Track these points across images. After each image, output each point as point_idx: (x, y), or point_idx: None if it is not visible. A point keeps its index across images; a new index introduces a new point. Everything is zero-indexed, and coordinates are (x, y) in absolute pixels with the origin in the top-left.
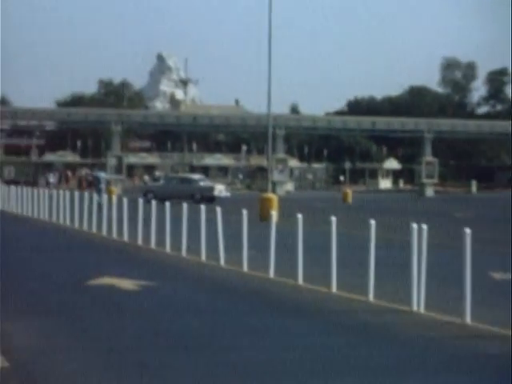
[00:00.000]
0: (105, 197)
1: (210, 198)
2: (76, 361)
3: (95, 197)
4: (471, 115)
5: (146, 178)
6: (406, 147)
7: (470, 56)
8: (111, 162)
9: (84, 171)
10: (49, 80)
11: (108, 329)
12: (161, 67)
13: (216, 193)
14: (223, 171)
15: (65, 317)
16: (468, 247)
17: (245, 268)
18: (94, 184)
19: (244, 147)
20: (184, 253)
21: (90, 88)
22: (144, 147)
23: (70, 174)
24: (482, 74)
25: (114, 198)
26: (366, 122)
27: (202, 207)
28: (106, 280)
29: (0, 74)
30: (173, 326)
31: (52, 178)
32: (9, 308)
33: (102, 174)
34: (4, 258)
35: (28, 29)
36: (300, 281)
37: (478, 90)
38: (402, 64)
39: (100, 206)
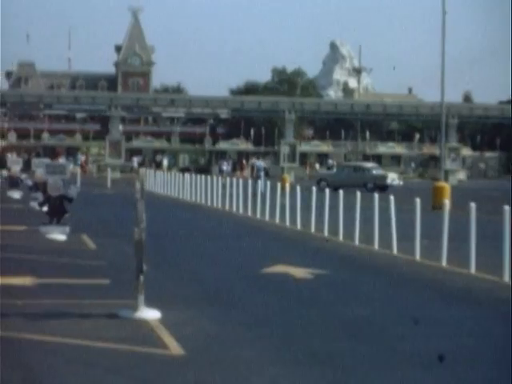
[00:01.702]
0: (260, 184)
1: (382, 187)
2: (250, 349)
3: (259, 184)
4: None
5: (317, 166)
6: None
7: None
8: (284, 150)
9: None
10: (223, 68)
11: (282, 317)
12: (334, 56)
13: (389, 181)
14: (396, 160)
15: (240, 304)
16: None
17: (417, 257)
18: (253, 172)
19: (417, 136)
20: (357, 241)
21: (264, 76)
22: (315, 135)
23: (244, 162)
24: None
25: (287, 186)
26: None
27: (375, 195)
28: (280, 268)
29: (175, 62)
30: (345, 315)
31: (225, 166)
32: (185, 295)
33: (260, 163)
34: (179, 246)
35: (202, 17)
36: (472, 270)
37: None
38: None
39: (255, 194)
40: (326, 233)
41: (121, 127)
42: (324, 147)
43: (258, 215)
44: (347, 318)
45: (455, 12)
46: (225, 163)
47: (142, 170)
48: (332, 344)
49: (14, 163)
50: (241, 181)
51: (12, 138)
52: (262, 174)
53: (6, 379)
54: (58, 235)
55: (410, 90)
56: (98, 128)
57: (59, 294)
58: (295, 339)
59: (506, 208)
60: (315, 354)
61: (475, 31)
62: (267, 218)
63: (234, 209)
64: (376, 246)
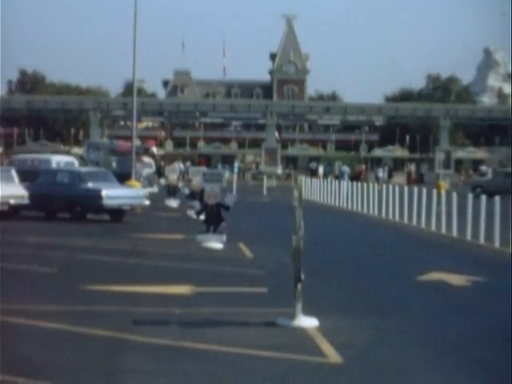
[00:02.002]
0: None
1: None
2: (409, 357)
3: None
4: None
5: (471, 172)
6: None
7: None
8: (439, 156)
9: (412, 166)
10: (378, 75)
11: (440, 324)
12: (488, 62)
13: None
14: None
15: (397, 311)
16: None
17: None
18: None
19: None
20: None
21: (419, 83)
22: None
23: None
24: None
25: (443, 193)
26: None
27: None
28: (436, 275)
29: (329, 70)
30: (506, 323)
31: (381, 173)
32: (342, 303)
33: (346, 169)
34: (335, 253)
35: (356, 24)
36: None
37: None
38: None
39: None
40: (481, 239)
41: (276, 135)
42: (479, 153)
43: (414, 222)
44: (508, 326)
45: None
46: (380, 170)
47: (300, 178)
48: (493, 351)
49: (172, 172)
50: (397, 187)
51: (169, 146)
52: (346, 177)
53: None
54: (215, 244)
55: None
56: (253, 136)
57: (217, 303)
58: (455, 346)
59: None
60: (478, 362)
61: None
62: (423, 224)
63: (390, 216)
64: None
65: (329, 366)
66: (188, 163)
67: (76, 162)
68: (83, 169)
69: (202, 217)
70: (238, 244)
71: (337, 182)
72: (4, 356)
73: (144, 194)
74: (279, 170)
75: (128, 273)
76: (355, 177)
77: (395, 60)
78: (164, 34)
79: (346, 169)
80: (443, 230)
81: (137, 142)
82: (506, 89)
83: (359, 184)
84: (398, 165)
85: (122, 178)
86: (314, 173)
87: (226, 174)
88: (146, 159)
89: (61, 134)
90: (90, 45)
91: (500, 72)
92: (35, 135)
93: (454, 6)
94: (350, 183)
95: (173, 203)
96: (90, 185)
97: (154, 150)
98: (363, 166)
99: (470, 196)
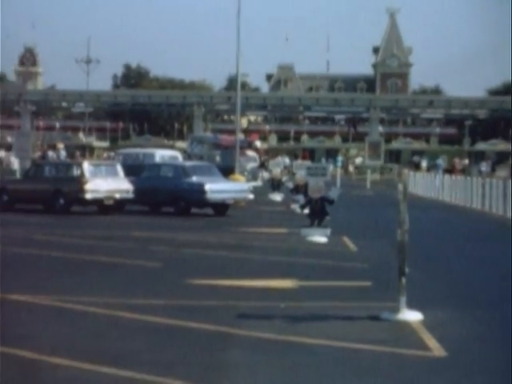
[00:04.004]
0: None
1: None
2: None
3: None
4: None
5: None
6: None
7: None
8: None
9: None
10: (481, 69)
11: None
12: None
13: None
14: None
15: (501, 305)
16: None
17: None
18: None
19: None
20: None
21: None
22: None
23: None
24: None
25: None
26: None
27: None
28: None
29: (433, 63)
30: None
31: (484, 167)
32: (446, 297)
33: (441, 162)
34: (439, 246)
35: (460, 17)
36: None
37: None
38: None
39: None
40: None
41: (380, 128)
42: None
43: None
44: None
45: None
46: (484, 164)
47: (405, 172)
48: None
49: (276, 166)
50: (500, 181)
51: (273, 140)
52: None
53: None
54: (319, 237)
55: None
56: (358, 130)
57: (321, 297)
58: None
59: None
60: None
61: None
62: None
63: (494, 209)
64: None
65: (433, 360)
66: (286, 159)
67: (180, 156)
68: (187, 163)
69: (306, 211)
70: (342, 238)
71: (440, 176)
72: (111, 350)
73: (248, 187)
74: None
75: (232, 267)
76: (450, 170)
77: (499, 53)
78: (268, 28)
79: (441, 162)
80: None
81: (240, 136)
82: None
83: (458, 177)
84: (502, 158)
85: (226, 171)
86: (417, 166)
87: (330, 168)
88: (250, 153)
89: (164, 129)
90: (194, 39)
91: None
92: (139, 130)
93: None
94: (442, 176)
95: (277, 197)
96: (194, 179)
97: (258, 143)
98: (457, 160)
99: None
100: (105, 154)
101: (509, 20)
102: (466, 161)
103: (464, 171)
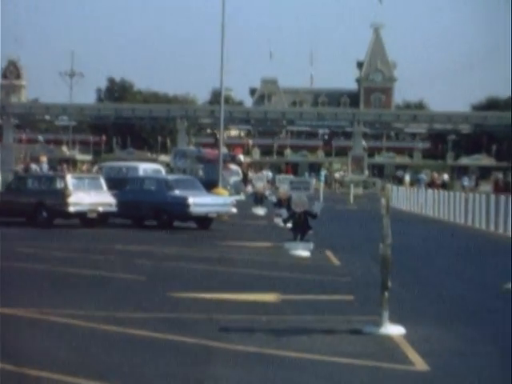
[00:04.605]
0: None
1: None
2: (494, 367)
3: None
4: None
5: None
6: None
7: None
8: None
9: (499, 174)
10: (464, 83)
11: None
12: None
13: None
14: None
15: (484, 321)
16: None
17: None
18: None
19: None
20: None
21: (505, 91)
22: None
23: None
24: None
25: None
26: None
27: None
28: None
29: (417, 78)
30: None
31: (467, 181)
32: (429, 312)
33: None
34: (422, 261)
35: (441, 32)
36: None
37: None
38: None
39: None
40: None
41: (364, 143)
42: None
43: (501, 230)
44: None
45: None
46: (466, 178)
47: (388, 186)
48: None
49: (259, 180)
50: (483, 196)
51: (256, 154)
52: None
53: None
54: (302, 251)
55: None
56: (340, 144)
57: (303, 310)
58: None
59: None
60: None
61: None
62: (510, 233)
63: (477, 224)
64: None
65: (416, 374)
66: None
67: (163, 170)
68: (170, 176)
69: (289, 225)
70: (325, 252)
71: (423, 190)
72: (93, 363)
73: (231, 201)
74: (364, 178)
75: (215, 280)
76: (429, 184)
77: (480, 68)
78: (252, 43)
79: (424, 177)
80: None
81: (224, 150)
82: None
83: (442, 192)
84: (484, 173)
85: (209, 185)
86: (400, 181)
87: (313, 182)
88: (233, 167)
89: (148, 142)
90: (178, 53)
91: None
92: (123, 143)
93: None
94: (425, 191)
95: (260, 211)
96: (177, 192)
97: (241, 157)
98: (436, 175)
99: None
100: (84, 167)
101: (499, 33)
102: (445, 176)
103: (444, 186)
